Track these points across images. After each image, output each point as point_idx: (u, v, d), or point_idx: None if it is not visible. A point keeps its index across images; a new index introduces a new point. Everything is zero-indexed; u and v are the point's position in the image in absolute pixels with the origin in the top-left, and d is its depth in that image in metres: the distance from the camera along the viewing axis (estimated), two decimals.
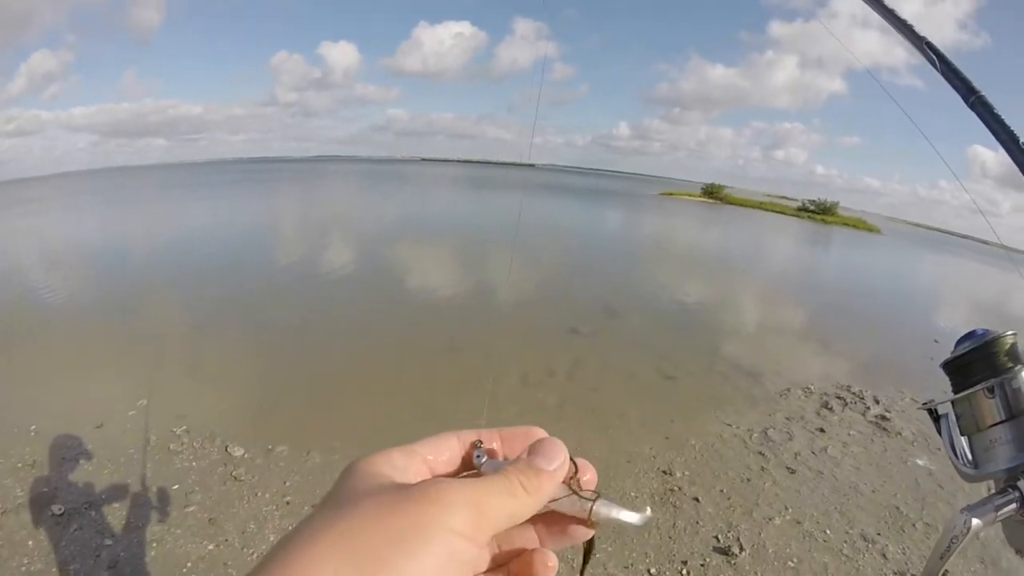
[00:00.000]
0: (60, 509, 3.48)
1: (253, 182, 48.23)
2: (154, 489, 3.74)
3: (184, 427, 4.48)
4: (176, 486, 3.78)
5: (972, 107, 0.74)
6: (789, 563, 3.43)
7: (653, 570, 3.26)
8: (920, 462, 4.74)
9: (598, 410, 5.27)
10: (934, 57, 0.79)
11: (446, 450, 0.44)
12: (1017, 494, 0.61)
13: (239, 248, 13.65)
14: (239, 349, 6.54)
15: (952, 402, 0.73)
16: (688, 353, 7.29)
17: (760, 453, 4.71)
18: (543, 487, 0.40)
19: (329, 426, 4.62)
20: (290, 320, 7.72)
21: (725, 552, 3.46)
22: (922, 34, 0.81)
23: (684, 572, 3.28)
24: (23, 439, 4.19)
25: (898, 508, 4.07)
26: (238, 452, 4.19)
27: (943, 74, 0.78)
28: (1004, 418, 0.66)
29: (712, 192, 58.81)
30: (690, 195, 59.86)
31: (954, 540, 0.61)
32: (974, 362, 0.70)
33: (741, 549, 3.48)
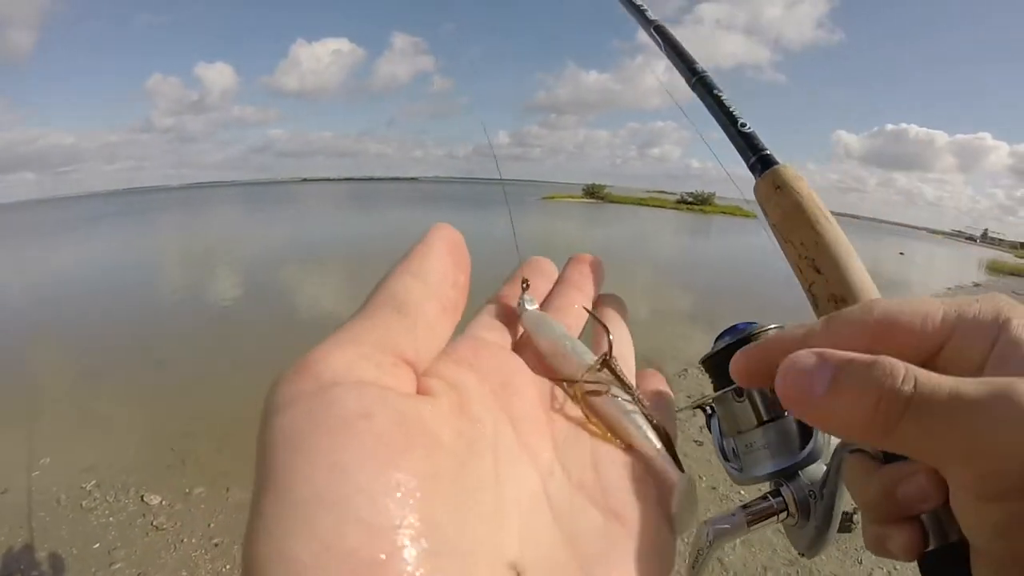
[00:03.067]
0: None
1: (131, 214, 45.66)
2: (74, 551, 3.57)
3: (94, 481, 4.27)
4: (97, 544, 3.62)
5: (693, 88, 0.70)
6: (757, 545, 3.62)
7: None
8: None
9: None
10: (660, 40, 0.76)
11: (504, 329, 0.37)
12: (779, 500, 0.57)
13: (124, 287, 12.90)
14: (137, 391, 6.25)
15: (713, 403, 0.66)
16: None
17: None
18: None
19: (244, 460, 4.49)
20: (187, 355, 7.45)
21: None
22: (652, 18, 0.79)
23: (682, 540, 3.43)
24: None
25: None
26: (155, 500, 4.05)
27: (668, 56, 0.75)
28: (756, 423, 0.60)
29: (593, 192, 60.22)
30: (572, 197, 61.12)
31: (700, 552, 0.57)
32: (727, 360, 0.54)
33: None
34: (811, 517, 0.55)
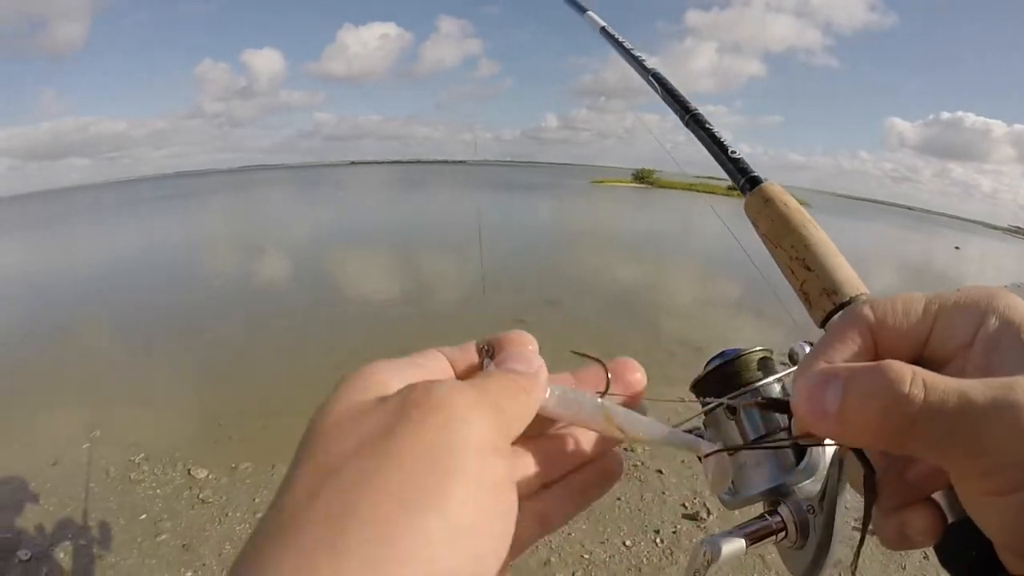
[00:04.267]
0: (27, 555, 3.37)
1: (181, 197, 46.81)
2: (121, 522, 3.66)
3: (142, 454, 4.39)
4: (144, 516, 3.72)
5: (687, 124, 0.76)
6: None
7: (628, 541, 3.39)
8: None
9: None
10: (657, 84, 0.85)
11: (437, 366, 0.37)
12: (777, 519, 0.55)
13: (176, 267, 13.33)
14: (186, 369, 6.43)
15: (704, 426, 0.66)
16: (633, 333, 7.50)
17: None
18: (533, 382, 0.33)
19: (290, 437, 4.57)
20: (236, 334, 7.62)
21: (694, 518, 3.64)
22: (650, 67, 0.89)
23: (657, 540, 3.43)
24: None
25: None
26: (202, 474, 4.14)
27: (663, 98, 0.83)
28: (747, 442, 0.61)
29: (642, 177, 59.77)
30: (621, 181, 60.77)
31: (697, 573, 0.55)
32: (716, 381, 0.63)
33: (708, 513, 3.66)
34: (810, 534, 0.54)
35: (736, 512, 0.61)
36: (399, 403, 0.27)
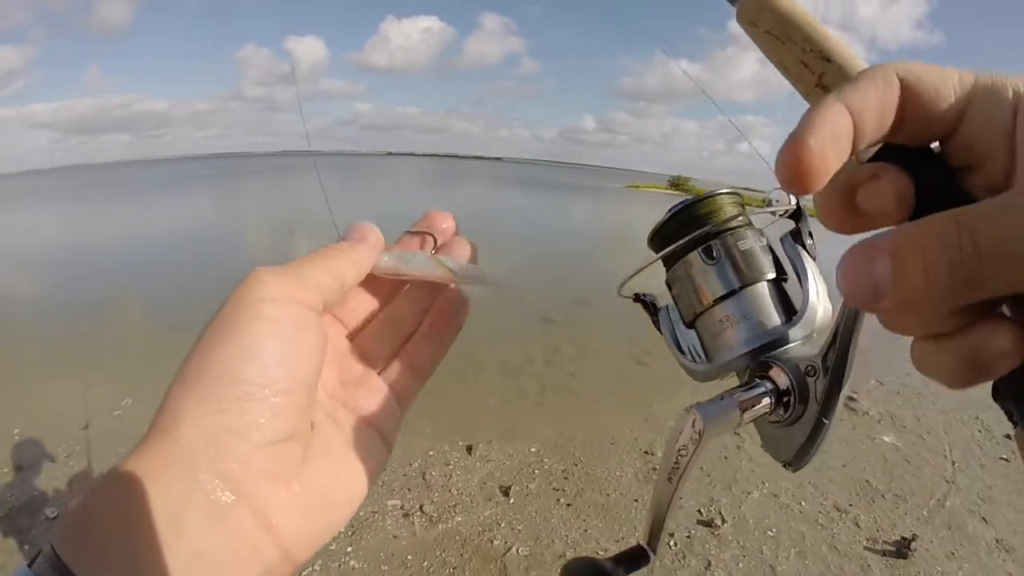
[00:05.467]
0: (54, 513, 3.47)
1: (221, 177, 47.43)
2: None
3: None
4: None
5: None
6: (768, 532, 3.60)
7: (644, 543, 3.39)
8: (887, 439, 4.93)
9: (578, 395, 5.40)
10: None
11: None
12: (770, 385, 0.47)
13: (217, 244, 13.57)
14: None
15: (668, 283, 0.58)
16: (659, 339, 7.43)
17: (736, 433, 4.76)
18: (356, 245, 0.45)
19: None
20: None
21: (708, 524, 3.62)
22: None
23: (672, 544, 3.43)
24: (6, 443, 4.15)
25: (868, 481, 4.26)
26: None
27: None
28: (733, 288, 0.51)
29: (679, 184, 59.26)
30: (656, 187, 60.27)
31: (682, 451, 0.46)
32: (683, 226, 0.54)
33: (723, 521, 3.64)
34: (809, 403, 0.46)
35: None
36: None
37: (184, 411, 0.34)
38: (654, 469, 4.17)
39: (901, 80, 0.28)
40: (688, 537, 3.51)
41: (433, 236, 0.50)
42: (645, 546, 0.50)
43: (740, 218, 0.54)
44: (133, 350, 6.17)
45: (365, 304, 0.48)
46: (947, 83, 0.28)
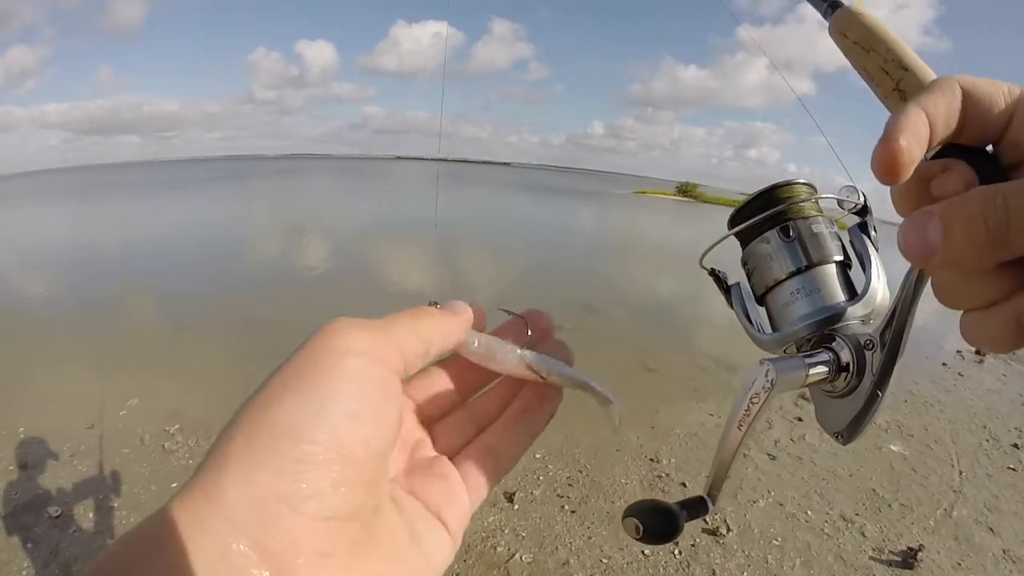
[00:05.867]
0: (57, 511, 3.48)
1: (231, 179, 47.65)
2: (152, 488, 3.75)
3: (177, 425, 4.49)
4: (174, 484, 3.78)
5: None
6: (774, 541, 3.58)
7: (647, 551, 3.37)
8: (894, 448, 4.92)
9: (586, 402, 5.36)
10: None
11: None
12: (831, 355, 0.51)
13: (225, 246, 13.62)
14: (227, 344, 6.55)
15: (743, 260, 0.64)
16: (668, 347, 7.43)
17: (795, 401, 5.03)
18: (449, 316, 0.42)
19: None
20: (279, 315, 7.70)
21: (713, 533, 3.60)
22: None
23: (676, 552, 3.41)
24: (11, 441, 4.18)
25: (874, 490, 4.25)
26: None
27: None
28: (801, 266, 0.56)
29: (686, 191, 59.14)
30: (664, 193, 60.25)
31: (754, 399, 0.49)
32: (768, 204, 0.60)
33: (728, 530, 3.63)
34: (866, 374, 0.49)
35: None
36: (308, 338, 0.35)
37: (231, 468, 0.29)
38: (659, 476, 4.16)
39: (963, 90, 0.34)
40: (693, 546, 3.49)
41: (526, 324, 0.48)
42: (706, 496, 0.54)
43: (814, 205, 0.60)
44: (140, 350, 6.20)
45: (440, 382, 0.45)
46: (998, 93, 0.34)
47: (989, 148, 0.36)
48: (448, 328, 0.42)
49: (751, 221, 0.60)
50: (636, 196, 54.65)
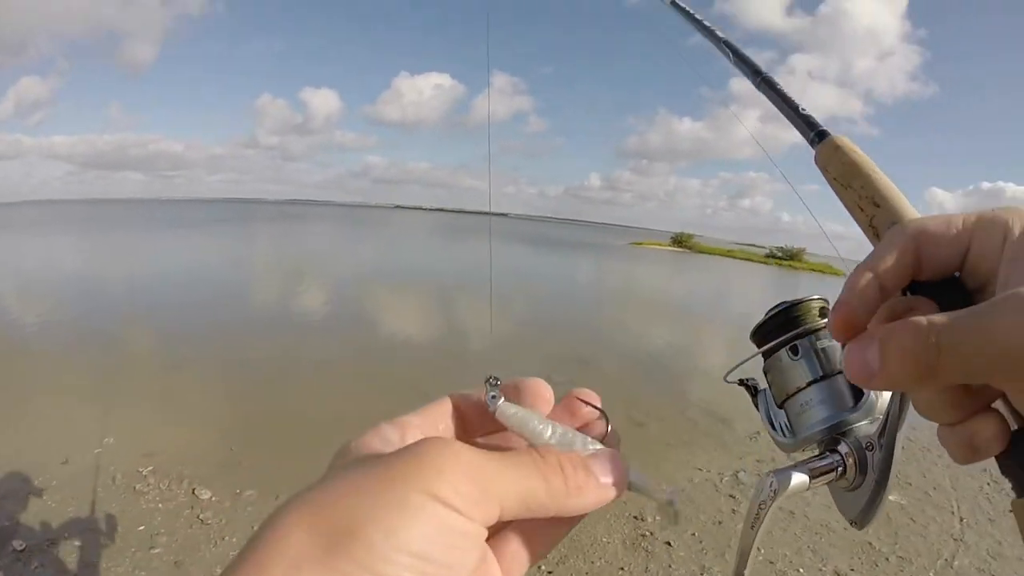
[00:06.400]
0: (21, 545, 3.39)
1: (233, 222, 47.90)
2: (119, 529, 3.66)
3: (151, 467, 4.39)
4: (142, 527, 3.71)
5: (759, 87, 0.81)
6: None
7: None
8: (891, 497, 4.78)
9: None
10: (729, 51, 0.91)
11: (441, 417, 0.40)
12: (836, 458, 0.59)
13: (213, 288, 13.55)
14: (209, 389, 6.45)
15: (764, 371, 0.73)
16: (658, 399, 7.36)
17: (731, 496, 4.73)
18: (587, 490, 0.35)
19: (299, 470, 4.50)
20: (261, 362, 7.63)
21: None
22: (721, 35, 0.96)
23: None
24: None
25: (870, 543, 4.13)
26: (205, 495, 4.12)
27: (735, 64, 0.89)
28: (813, 379, 0.65)
29: (681, 241, 59.69)
30: (659, 244, 60.73)
31: (762, 506, 0.56)
32: (779, 326, 0.70)
33: None
34: (868, 472, 0.57)
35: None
36: (400, 451, 0.31)
37: None
38: (643, 535, 4.04)
39: (916, 232, 0.38)
40: None
41: (607, 420, 0.42)
42: None
43: (824, 320, 0.68)
44: (126, 387, 6.15)
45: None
46: (952, 226, 0.38)
47: (958, 274, 0.39)
48: (574, 503, 0.35)
49: (747, 358, 0.74)
50: (632, 247, 54.96)
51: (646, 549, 3.91)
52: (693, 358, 10.25)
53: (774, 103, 0.78)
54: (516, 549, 0.36)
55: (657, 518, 4.24)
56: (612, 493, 0.36)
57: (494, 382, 0.38)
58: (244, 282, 15.06)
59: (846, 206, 0.59)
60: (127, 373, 6.69)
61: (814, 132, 0.66)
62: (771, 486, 0.55)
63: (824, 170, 0.62)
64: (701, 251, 55.19)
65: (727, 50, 0.93)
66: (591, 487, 0.35)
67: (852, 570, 3.82)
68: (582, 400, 0.42)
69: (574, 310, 14.78)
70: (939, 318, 0.31)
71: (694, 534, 4.09)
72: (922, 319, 0.31)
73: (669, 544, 3.96)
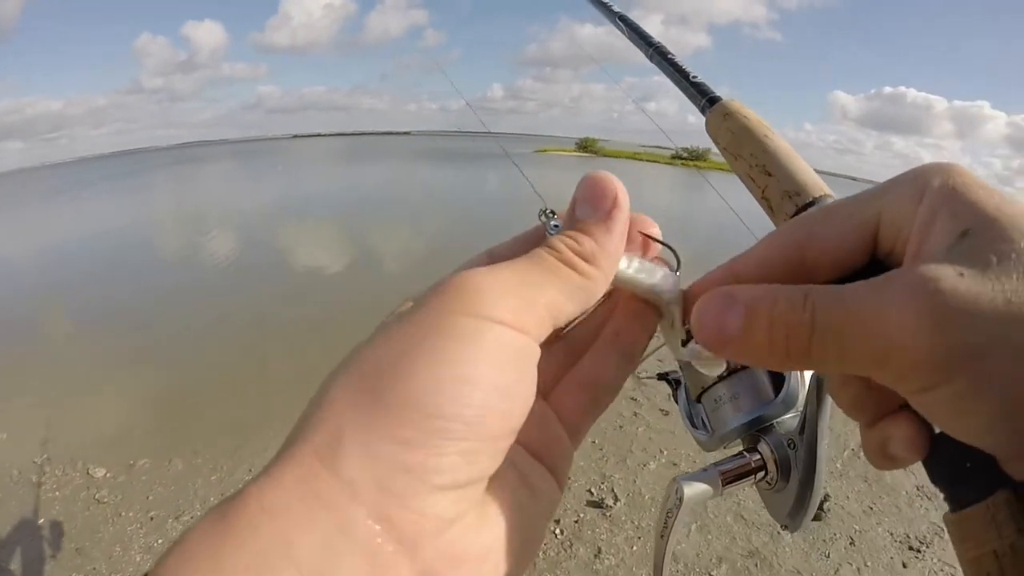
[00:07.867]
0: None
1: (120, 178, 45.07)
2: (19, 525, 3.59)
3: (46, 455, 4.25)
4: (41, 520, 3.62)
5: (651, 58, 0.80)
6: None
7: None
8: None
9: None
10: (623, 25, 0.90)
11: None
12: (755, 457, 0.54)
13: (127, 252, 12.79)
14: (99, 365, 6.16)
15: (679, 365, 0.66)
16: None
17: (632, 398, 4.77)
18: (606, 251, 0.32)
19: (192, 431, 4.51)
20: (153, 326, 7.34)
21: (599, 505, 3.57)
22: (617, 10, 0.96)
23: (557, 531, 3.36)
24: None
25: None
26: (99, 473, 4.04)
27: (629, 37, 0.87)
28: (723, 373, 0.59)
29: (586, 146, 60.08)
30: (564, 150, 60.91)
31: (669, 514, 0.53)
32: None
33: (616, 500, 3.60)
34: (792, 473, 0.52)
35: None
36: (433, 288, 0.29)
37: (353, 439, 0.25)
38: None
39: (801, 226, 0.31)
40: (576, 522, 3.44)
41: (675, 254, 0.37)
42: None
43: None
44: (8, 379, 5.81)
45: None
46: (859, 200, 0.30)
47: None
48: (598, 289, 0.33)
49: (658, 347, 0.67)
50: (537, 155, 54.88)
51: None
52: None
53: (666, 73, 0.76)
54: (574, 399, 0.36)
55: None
56: (623, 226, 0.33)
57: (551, 213, 0.35)
58: (134, 245, 14.00)
59: (740, 177, 0.55)
60: (11, 361, 6.29)
61: (705, 98, 0.64)
62: (677, 493, 0.53)
63: (715, 140, 0.59)
64: (606, 155, 55.68)
65: (621, 24, 0.92)
66: (604, 238, 0.32)
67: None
68: (646, 235, 0.37)
69: (477, 221, 14.86)
70: (823, 292, 0.27)
71: (594, 441, 4.18)
72: (801, 289, 0.27)
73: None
